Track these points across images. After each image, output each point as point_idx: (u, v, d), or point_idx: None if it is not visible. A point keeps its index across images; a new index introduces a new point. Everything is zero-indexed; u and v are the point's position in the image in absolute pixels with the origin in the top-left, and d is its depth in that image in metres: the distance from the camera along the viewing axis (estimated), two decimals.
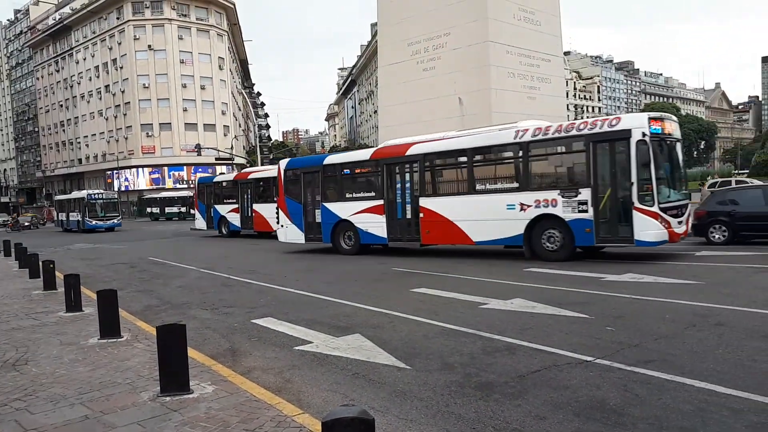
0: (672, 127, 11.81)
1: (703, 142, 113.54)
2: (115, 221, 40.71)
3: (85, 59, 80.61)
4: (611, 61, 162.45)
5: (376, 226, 15.25)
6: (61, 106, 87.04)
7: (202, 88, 73.64)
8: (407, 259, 14.25)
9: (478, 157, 13.64)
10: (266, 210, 24.06)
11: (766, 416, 3.80)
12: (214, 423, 4.02)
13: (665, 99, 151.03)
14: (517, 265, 12.13)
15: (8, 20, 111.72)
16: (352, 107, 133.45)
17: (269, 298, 9.47)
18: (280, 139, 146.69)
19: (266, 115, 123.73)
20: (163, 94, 72.08)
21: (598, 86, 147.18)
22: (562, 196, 11.92)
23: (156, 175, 72.59)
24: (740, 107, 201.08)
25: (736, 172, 67.64)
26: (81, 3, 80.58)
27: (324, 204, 16.50)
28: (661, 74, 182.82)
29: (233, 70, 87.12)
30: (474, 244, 13.64)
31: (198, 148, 49.27)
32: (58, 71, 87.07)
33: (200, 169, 71.85)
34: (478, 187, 13.52)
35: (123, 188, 71.47)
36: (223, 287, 11.06)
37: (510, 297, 8.27)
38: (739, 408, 3.95)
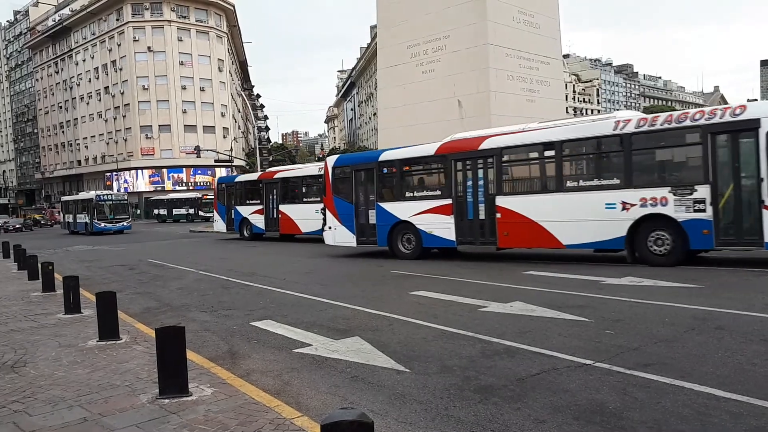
0: None
1: None
2: (125, 224, 39.47)
3: (84, 61, 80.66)
4: (610, 64, 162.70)
5: (443, 227, 13.96)
6: (61, 107, 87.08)
7: (202, 89, 73.70)
8: (406, 263, 14.23)
9: (568, 151, 12.50)
10: (294, 211, 23.13)
11: (766, 420, 3.80)
12: (212, 425, 4.01)
13: (664, 102, 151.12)
14: (516, 268, 12.13)
15: (8, 21, 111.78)
16: (352, 109, 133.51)
17: (268, 301, 9.46)
18: (280, 141, 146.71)
19: (266, 117, 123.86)
20: (162, 95, 72.15)
21: (598, 89, 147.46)
22: (674, 194, 10.76)
23: (156, 178, 72.57)
24: None
25: None
26: (81, 4, 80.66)
27: (380, 204, 15.29)
28: (660, 77, 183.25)
29: (233, 72, 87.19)
30: (563, 247, 12.39)
31: (197, 150, 49.32)
32: (57, 72, 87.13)
33: (199, 171, 72.03)
34: (569, 184, 12.28)
35: (122, 190, 71.44)
36: (223, 289, 11.04)
37: (509, 300, 8.27)
38: (738, 412, 3.94)
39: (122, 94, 74.05)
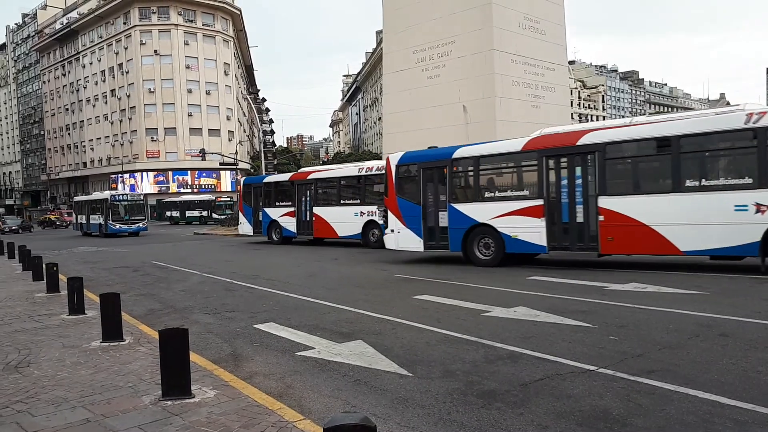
0: None
1: None
2: (141, 225, 37.85)
3: (91, 63, 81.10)
4: (616, 70, 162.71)
5: (531, 231, 12.68)
6: (67, 109, 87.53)
7: (208, 93, 73.99)
8: (409, 266, 14.22)
9: (689, 147, 11.21)
10: (331, 214, 22.02)
11: None
12: (215, 428, 4.01)
13: (669, 108, 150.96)
14: (520, 273, 12.11)
15: (16, 24, 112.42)
16: (357, 114, 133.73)
17: (272, 304, 9.46)
18: (284, 145, 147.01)
19: (271, 121, 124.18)
20: (168, 99, 72.44)
21: (603, 95, 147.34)
22: None
23: (160, 177, 72.78)
24: None
25: None
26: (89, 8, 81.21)
27: (453, 205, 14.01)
28: (665, 84, 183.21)
29: (238, 76, 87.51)
30: (681, 253, 11.19)
31: (202, 153, 49.46)
32: (64, 75, 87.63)
33: (204, 174, 72.25)
34: (689, 183, 11.02)
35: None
36: (226, 292, 11.06)
37: (513, 305, 8.25)
38: (743, 420, 3.92)
39: (128, 96, 74.38)
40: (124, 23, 74.91)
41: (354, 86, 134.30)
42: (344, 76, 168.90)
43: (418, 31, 35.70)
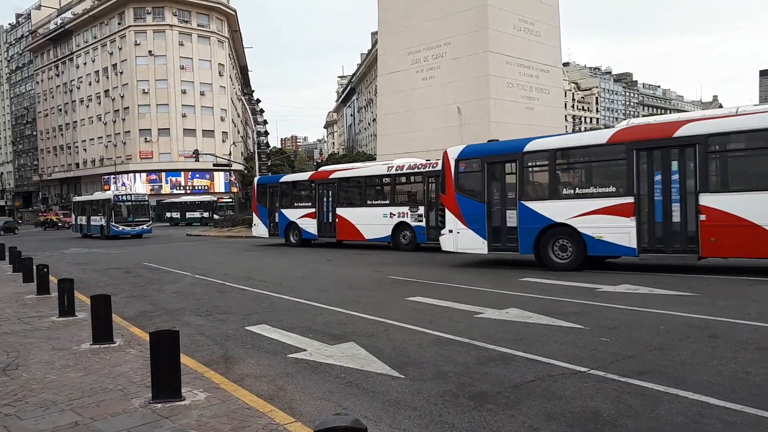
0: None
1: None
2: (145, 227, 36.10)
3: (85, 64, 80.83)
4: (610, 72, 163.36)
5: (617, 232, 11.56)
6: (60, 110, 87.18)
7: (202, 94, 73.85)
8: (403, 268, 14.22)
9: None
10: (356, 216, 20.80)
11: (760, 429, 3.79)
12: (205, 430, 3.99)
13: (663, 111, 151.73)
14: (512, 274, 12.13)
15: (10, 24, 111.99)
16: (351, 115, 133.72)
17: (264, 305, 9.44)
18: (279, 146, 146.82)
19: (265, 122, 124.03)
20: (162, 99, 72.27)
21: (597, 97, 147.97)
22: None
23: (153, 176, 72.52)
24: None
25: None
26: (83, 8, 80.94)
27: (524, 203, 12.87)
28: (659, 86, 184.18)
29: (233, 77, 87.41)
30: None
31: (196, 154, 49.32)
32: (58, 75, 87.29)
33: (197, 175, 72.07)
34: None
35: None
36: (218, 293, 11.02)
37: (505, 306, 8.25)
38: (732, 420, 3.93)
39: (122, 97, 74.14)
40: (119, 23, 74.69)
41: (349, 87, 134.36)
42: (339, 77, 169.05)
43: (413, 33, 35.80)
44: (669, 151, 11.16)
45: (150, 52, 72.05)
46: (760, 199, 10.21)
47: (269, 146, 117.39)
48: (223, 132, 76.24)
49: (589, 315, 7.58)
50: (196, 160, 51.52)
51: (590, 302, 8.51)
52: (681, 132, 11.06)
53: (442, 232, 14.56)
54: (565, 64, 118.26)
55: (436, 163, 17.33)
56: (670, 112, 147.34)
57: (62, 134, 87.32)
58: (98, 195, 40.59)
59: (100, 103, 78.30)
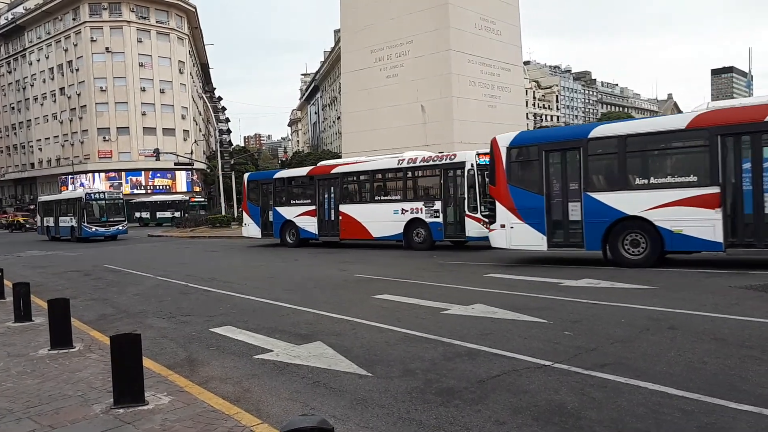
0: None
1: None
2: (120, 227, 33.71)
3: (39, 60, 78.20)
4: (569, 71, 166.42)
5: (700, 224, 10.66)
6: (13, 108, 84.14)
7: (162, 92, 72.34)
8: (370, 266, 14.22)
9: None
10: (362, 213, 19.47)
11: (716, 417, 3.92)
12: None
13: (621, 108, 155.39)
14: (477, 270, 12.25)
15: None
16: (315, 113, 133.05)
17: (229, 307, 9.31)
18: (242, 144, 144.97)
19: (227, 120, 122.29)
20: (121, 97, 70.51)
21: (557, 95, 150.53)
22: None
23: (114, 181, 70.75)
24: None
25: None
26: (35, 3, 78.20)
27: (590, 194, 11.86)
28: (617, 84, 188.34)
29: (194, 74, 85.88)
30: None
31: (157, 153, 48.31)
32: (9, 72, 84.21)
33: (158, 175, 70.61)
34: None
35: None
36: (181, 295, 10.83)
37: (471, 303, 8.33)
38: (689, 409, 4.06)
39: (78, 95, 72.04)
40: (74, 19, 72.48)
41: (312, 85, 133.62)
42: (302, 74, 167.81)
43: (375, 31, 35.77)
44: (760, 136, 10.28)
45: (107, 48, 70.15)
46: None
47: (232, 144, 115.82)
48: (184, 130, 74.84)
49: (552, 309, 7.71)
50: (156, 159, 50.42)
51: (553, 297, 8.66)
52: None
53: (492, 227, 13.46)
54: (526, 63, 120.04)
55: (454, 156, 17.21)
56: (628, 110, 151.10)
57: (15, 133, 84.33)
58: (67, 194, 37.89)
59: (55, 101, 75.91)
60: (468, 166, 16.54)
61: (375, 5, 35.82)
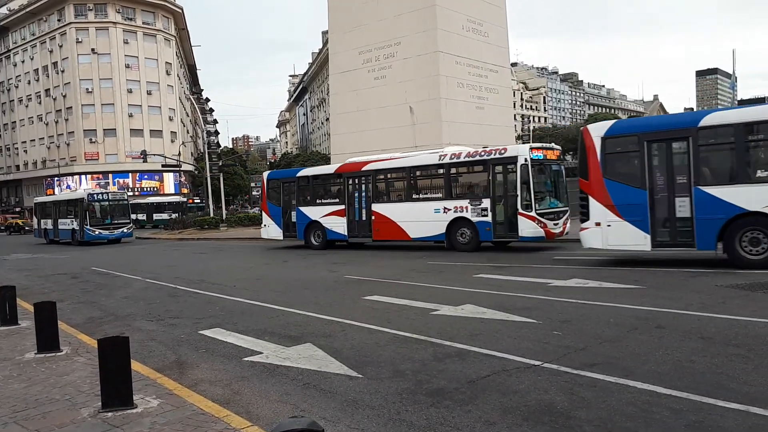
0: None
1: None
2: (125, 230, 31.86)
3: (23, 62, 77.37)
4: (556, 72, 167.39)
5: None
6: None
7: (149, 93, 71.85)
8: (359, 267, 14.21)
9: None
10: (398, 212, 18.28)
11: (704, 415, 3.96)
12: None
13: (608, 109, 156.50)
14: (466, 271, 12.28)
15: None
16: (304, 114, 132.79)
17: (218, 309, 9.27)
18: (230, 146, 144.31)
19: (215, 122, 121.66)
20: (107, 99, 69.94)
21: (544, 97, 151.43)
22: None
23: (99, 175, 69.99)
24: None
25: None
26: (19, 4, 77.40)
27: (702, 189, 10.70)
28: (603, 86, 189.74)
29: (181, 76, 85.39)
30: None
31: (144, 155, 47.92)
32: None
33: (146, 176, 70.11)
34: None
35: None
36: (170, 298, 10.76)
37: (461, 303, 8.35)
38: (678, 408, 4.09)
39: (64, 97, 71.35)
40: (59, 20, 71.80)
41: (301, 86, 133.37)
42: (291, 76, 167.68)
43: (363, 32, 35.76)
44: None
45: (93, 50, 69.57)
46: None
47: (220, 146, 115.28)
48: (171, 132, 74.38)
49: (541, 309, 7.75)
50: (144, 161, 49.88)
51: (542, 297, 8.70)
52: None
53: (585, 225, 12.26)
54: (513, 65, 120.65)
55: (505, 150, 16.13)
56: (615, 111, 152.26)
57: (0, 135, 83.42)
58: (67, 194, 36.22)
59: (40, 103, 75.12)
60: (521, 161, 15.39)
61: (363, 7, 35.82)
